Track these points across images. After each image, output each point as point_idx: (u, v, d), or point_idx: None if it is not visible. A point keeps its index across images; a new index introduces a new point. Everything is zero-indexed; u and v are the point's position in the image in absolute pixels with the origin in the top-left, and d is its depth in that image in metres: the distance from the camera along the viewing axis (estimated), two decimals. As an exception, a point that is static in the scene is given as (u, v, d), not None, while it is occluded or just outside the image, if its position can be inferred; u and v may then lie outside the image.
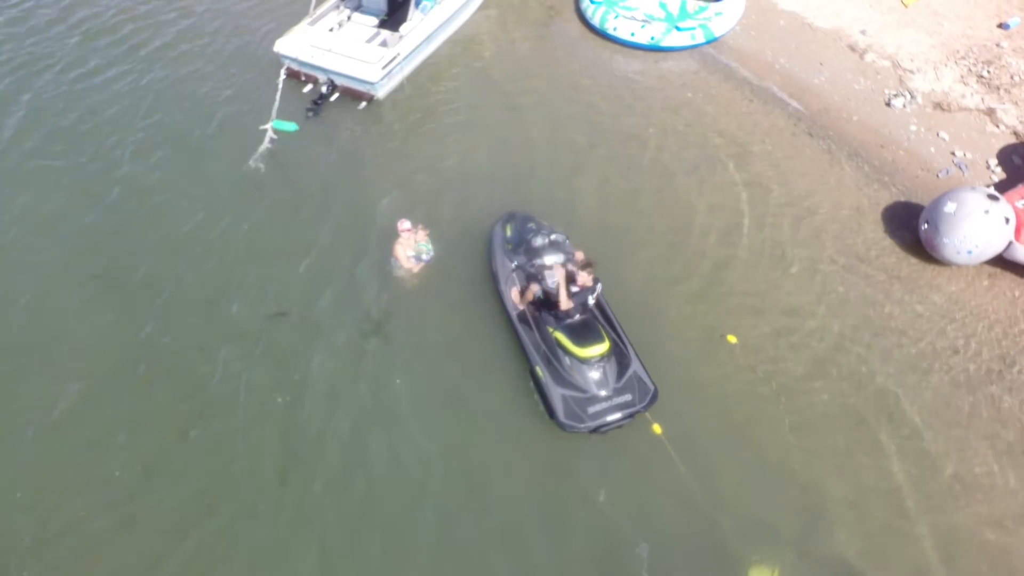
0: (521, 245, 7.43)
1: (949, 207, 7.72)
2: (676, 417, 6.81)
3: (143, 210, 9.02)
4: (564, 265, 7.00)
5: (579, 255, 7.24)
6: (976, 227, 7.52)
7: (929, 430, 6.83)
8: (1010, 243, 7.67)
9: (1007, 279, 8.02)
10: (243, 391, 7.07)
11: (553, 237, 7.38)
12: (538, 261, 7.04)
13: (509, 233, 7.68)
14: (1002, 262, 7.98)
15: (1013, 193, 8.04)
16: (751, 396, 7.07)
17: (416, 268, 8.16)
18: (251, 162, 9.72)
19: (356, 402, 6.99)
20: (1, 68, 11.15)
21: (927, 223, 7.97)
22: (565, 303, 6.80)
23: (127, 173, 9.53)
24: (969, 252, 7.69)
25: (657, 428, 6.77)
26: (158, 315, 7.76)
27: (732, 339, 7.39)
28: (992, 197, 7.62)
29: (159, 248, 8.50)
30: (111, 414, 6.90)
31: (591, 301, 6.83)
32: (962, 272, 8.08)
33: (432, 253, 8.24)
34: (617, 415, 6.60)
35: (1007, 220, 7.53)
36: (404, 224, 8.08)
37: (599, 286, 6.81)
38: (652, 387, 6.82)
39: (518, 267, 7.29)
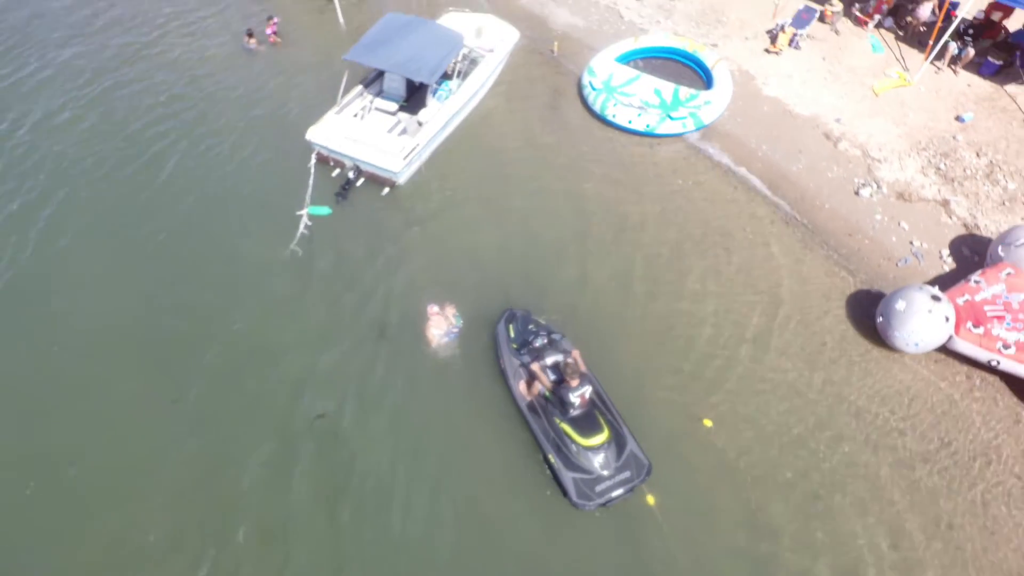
0: (525, 346, 9.08)
1: (899, 305, 9.38)
2: (664, 489, 8.45)
3: (192, 302, 10.61)
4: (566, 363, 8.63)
5: (575, 353, 8.88)
6: (921, 324, 9.19)
7: (875, 503, 8.48)
8: (951, 336, 9.35)
9: (951, 364, 9.68)
10: (291, 484, 8.67)
11: (552, 337, 9.04)
12: (541, 361, 8.69)
13: (512, 334, 9.32)
14: (946, 350, 9.65)
15: (955, 291, 9.71)
16: (725, 472, 8.71)
17: (445, 343, 9.80)
18: (292, 247, 11.37)
19: (394, 486, 8.61)
20: (60, 162, 12.80)
21: (882, 316, 9.63)
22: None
23: (168, 262, 11.15)
24: (916, 344, 9.36)
25: (651, 499, 8.41)
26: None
27: (708, 423, 9.03)
28: (935, 298, 9.28)
29: (208, 344, 10.08)
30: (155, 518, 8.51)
31: (583, 398, 8.46)
32: (912, 358, 9.74)
33: (460, 324, 9.87)
34: (620, 491, 8.23)
35: (947, 319, 9.20)
36: (432, 308, 9.73)
37: (589, 386, 8.46)
38: (647, 462, 8.45)
39: (523, 365, 8.93)
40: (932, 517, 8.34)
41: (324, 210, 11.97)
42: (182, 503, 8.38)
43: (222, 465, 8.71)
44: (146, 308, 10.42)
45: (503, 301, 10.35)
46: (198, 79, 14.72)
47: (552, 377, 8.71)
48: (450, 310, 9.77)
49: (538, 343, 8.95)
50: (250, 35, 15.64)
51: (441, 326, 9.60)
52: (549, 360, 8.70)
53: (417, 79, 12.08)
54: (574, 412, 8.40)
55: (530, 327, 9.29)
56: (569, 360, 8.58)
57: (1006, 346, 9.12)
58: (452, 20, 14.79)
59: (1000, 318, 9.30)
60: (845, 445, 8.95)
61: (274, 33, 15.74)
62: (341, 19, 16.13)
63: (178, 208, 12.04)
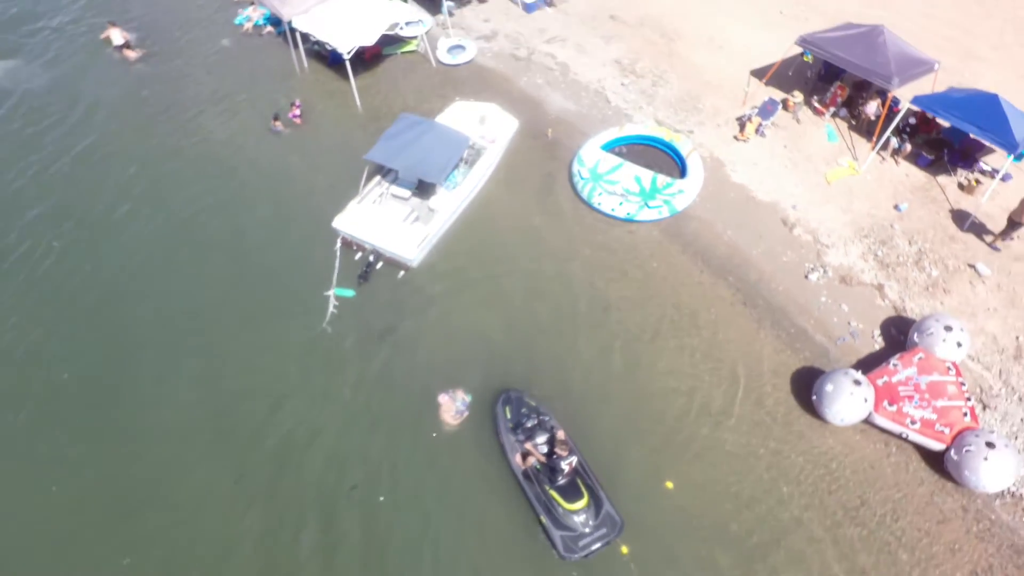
0: (519, 426, 11.31)
1: (828, 387, 11.61)
2: (635, 540, 10.69)
3: (242, 386, 12.84)
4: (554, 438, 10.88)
5: (560, 433, 11.10)
6: (845, 404, 11.42)
7: (815, 553, 10.71)
8: (870, 413, 11.57)
9: (872, 434, 11.91)
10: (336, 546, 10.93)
11: (541, 418, 11.28)
12: (533, 440, 10.93)
13: (509, 415, 11.56)
14: (868, 423, 11.87)
15: (876, 373, 11.94)
16: (684, 526, 10.94)
17: (457, 421, 12.02)
18: (323, 325, 13.59)
19: (422, 541, 10.85)
20: (122, 259, 15.07)
21: (815, 395, 11.86)
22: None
23: (216, 348, 13.36)
24: (842, 419, 11.59)
25: (624, 549, 10.66)
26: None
27: (669, 485, 11.28)
28: (856, 382, 11.51)
29: (258, 424, 12.33)
30: None
31: (570, 466, 10.68)
32: (841, 429, 11.95)
33: (469, 400, 12.11)
34: (598, 544, 10.46)
35: (865, 400, 11.42)
36: (443, 397, 11.97)
37: (574, 458, 10.69)
38: (620, 520, 10.69)
39: (518, 441, 11.16)
40: (855, 566, 10.60)
41: (349, 292, 14.21)
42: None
43: (277, 533, 10.97)
44: (205, 392, 12.68)
45: (502, 376, 12.61)
46: (232, 167, 16.96)
47: (544, 450, 10.94)
48: (459, 394, 12.02)
49: (530, 423, 11.21)
50: (276, 118, 17.87)
51: (451, 410, 11.86)
52: (540, 439, 10.93)
53: (428, 180, 14.35)
54: (561, 481, 10.65)
55: (523, 410, 11.54)
56: (558, 440, 10.83)
57: (913, 421, 11.36)
58: (459, 108, 17.07)
59: (910, 397, 11.53)
60: (785, 503, 11.20)
61: (297, 116, 17.99)
62: (357, 101, 18.33)
63: (220, 293, 14.28)
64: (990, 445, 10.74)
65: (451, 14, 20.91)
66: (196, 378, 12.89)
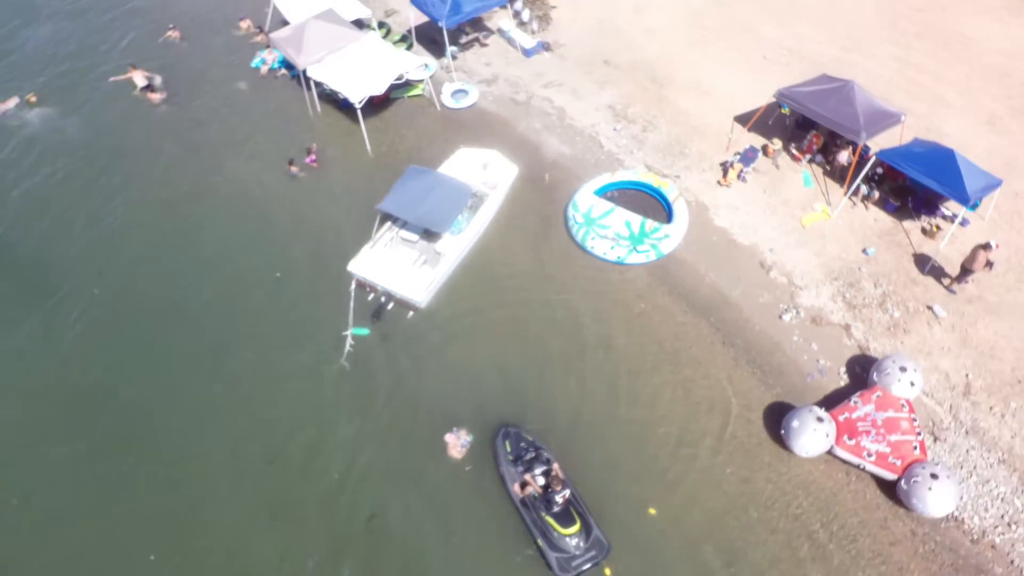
0: (519, 459, 12.82)
1: (795, 423, 13.11)
2: (620, 562, 12.20)
3: (271, 417, 14.38)
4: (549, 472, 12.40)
5: (555, 466, 12.60)
6: (809, 439, 12.92)
7: (778, 572, 12.22)
8: (832, 446, 13.07)
9: (834, 465, 13.41)
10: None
11: (538, 451, 12.79)
12: (531, 472, 12.44)
13: (508, 448, 13.08)
14: (830, 455, 13.36)
15: (838, 409, 13.44)
16: (665, 548, 12.45)
17: (462, 455, 13.52)
18: (342, 362, 15.11)
19: (431, 563, 12.36)
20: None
21: (784, 430, 13.36)
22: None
23: (244, 385, 14.89)
24: (807, 452, 13.09)
25: (608, 571, 12.17)
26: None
27: (652, 511, 12.78)
28: (819, 419, 13.01)
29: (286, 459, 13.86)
30: None
31: (564, 498, 12.18)
32: (806, 461, 13.45)
33: (471, 439, 13.62)
34: (588, 565, 11.98)
35: (827, 435, 12.93)
36: (449, 437, 13.52)
37: (567, 491, 12.21)
38: (607, 544, 12.20)
39: (517, 472, 12.67)
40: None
41: (364, 331, 15.73)
42: None
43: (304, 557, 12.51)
44: (235, 422, 14.24)
45: (501, 411, 14.16)
46: (253, 211, 18.56)
47: (541, 481, 12.44)
48: (462, 433, 13.55)
49: (528, 456, 12.72)
50: (291, 163, 19.41)
51: (456, 446, 13.38)
52: (537, 471, 12.43)
53: (435, 230, 15.91)
54: (556, 509, 12.15)
55: (521, 444, 13.06)
56: (554, 471, 12.34)
57: (870, 454, 12.87)
58: (463, 154, 18.62)
59: (868, 432, 13.04)
60: (754, 527, 12.70)
61: (313, 160, 19.51)
62: (368, 145, 19.85)
63: (246, 330, 15.86)
64: (934, 476, 12.25)
65: (454, 58, 22.45)
66: (226, 409, 14.44)
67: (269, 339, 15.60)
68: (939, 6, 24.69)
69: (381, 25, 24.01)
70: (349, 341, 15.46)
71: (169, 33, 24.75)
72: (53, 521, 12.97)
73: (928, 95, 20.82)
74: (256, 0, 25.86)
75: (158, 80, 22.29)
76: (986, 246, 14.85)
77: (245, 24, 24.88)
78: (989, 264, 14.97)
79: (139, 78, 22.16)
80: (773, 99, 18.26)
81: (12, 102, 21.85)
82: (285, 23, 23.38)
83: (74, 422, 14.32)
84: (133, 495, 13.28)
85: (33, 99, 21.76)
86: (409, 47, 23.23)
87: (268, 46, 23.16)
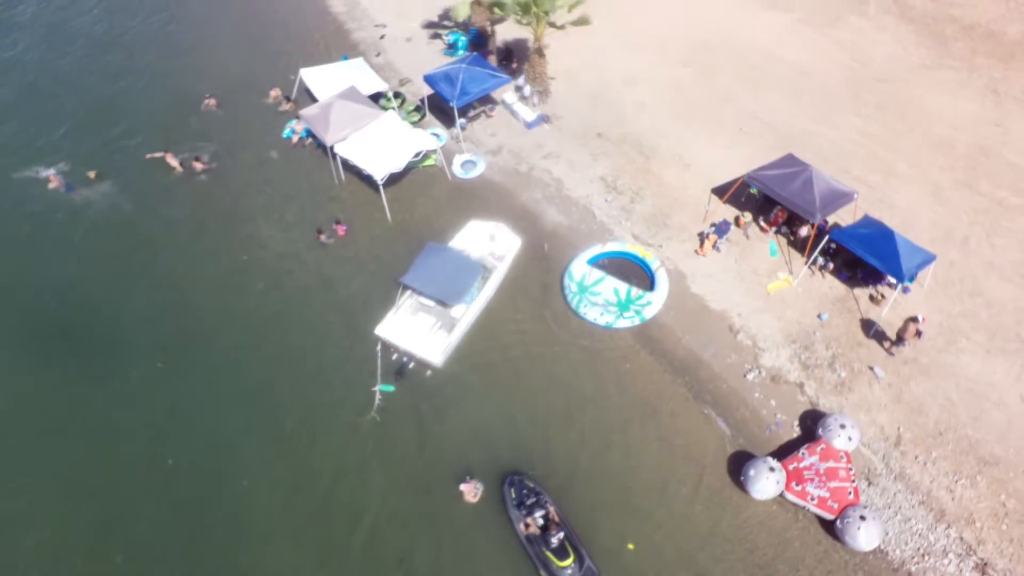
0: (522, 503, 15.78)
1: (751, 472, 16.06)
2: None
3: (313, 467, 17.34)
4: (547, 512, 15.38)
5: (552, 509, 15.54)
6: (763, 485, 15.88)
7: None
8: (783, 492, 16.02)
9: (785, 507, 16.36)
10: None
11: (538, 497, 15.72)
12: (532, 515, 15.41)
13: (513, 495, 16.04)
14: (781, 499, 16.30)
15: (789, 459, 16.39)
16: (643, 578, 15.45)
17: (476, 499, 16.46)
18: (372, 414, 18.06)
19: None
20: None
21: (743, 476, 16.30)
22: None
23: (285, 440, 17.85)
24: (762, 496, 16.06)
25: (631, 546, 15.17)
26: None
27: (631, 546, 15.74)
28: (771, 468, 15.96)
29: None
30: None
31: (559, 538, 15.14)
32: (762, 503, 16.38)
33: (482, 487, 16.56)
34: (582, 591, 14.99)
35: (778, 482, 15.88)
36: (465, 486, 16.45)
37: (562, 533, 15.17)
38: (597, 572, 15.20)
39: (521, 515, 15.61)
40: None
41: (390, 387, 18.70)
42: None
43: None
44: (282, 470, 17.21)
45: (509, 459, 17.12)
46: (289, 278, 21.64)
47: (540, 523, 15.38)
48: (475, 483, 16.50)
49: (529, 501, 15.70)
50: (320, 232, 22.40)
51: (471, 492, 16.32)
52: (538, 514, 15.39)
53: (451, 303, 18.88)
54: (554, 545, 15.10)
55: (524, 491, 16.05)
56: (550, 515, 15.30)
57: (813, 498, 15.83)
58: (474, 226, 21.64)
59: (812, 480, 16.00)
60: (719, 560, 15.65)
61: (340, 230, 22.49)
62: (388, 214, 22.85)
63: (287, 388, 18.86)
64: (863, 517, 15.21)
65: (463, 128, 25.48)
66: (280, 465, 17.41)
67: (313, 400, 18.59)
68: (899, 77, 27.78)
69: (397, 95, 27.09)
70: (378, 397, 18.43)
71: (207, 101, 27.82)
72: (151, 566, 16.05)
73: (883, 166, 23.85)
74: (282, 69, 29.17)
75: (205, 156, 25.26)
76: (915, 319, 17.86)
77: (274, 93, 27.93)
78: (918, 333, 17.97)
79: (171, 160, 25.09)
80: (745, 177, 21.29)
81: (61, 177, 24.85)
82: (309, 91, 26.62)
83: (156, 484, 17.35)
84: (209, 546, 16.30)
85: (92, 175, 24.75)
86: (422, 116, 26.31)
87: (297, 116, 26.16)
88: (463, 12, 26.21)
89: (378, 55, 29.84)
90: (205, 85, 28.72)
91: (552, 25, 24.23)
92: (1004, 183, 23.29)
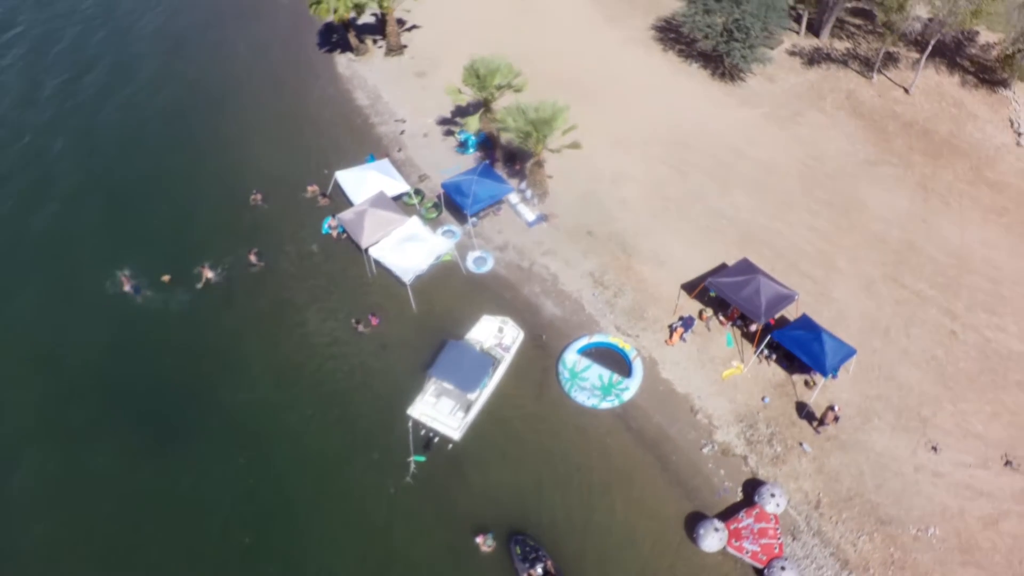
0: (525, 559, 21.11)
1: (702, 531, 21.40)
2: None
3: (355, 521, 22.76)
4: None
5: (549, 563, 20.88)
6: (709, 541, 21.24)
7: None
8: (725, 547, 21.35)
9: (728, 558, 21.68)
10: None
11: (539, 554, 21.07)
12: (534, 568, 20.77)
13: (519, 551, 21.38)
14: (724, 552, 21.62)
15: (731, 520, 21.74)
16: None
17: (489, 549, 21.82)
18: (407, 479, 23.45)
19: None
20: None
21: (694, 534, 21.64)
22: None
23: (333, 507, 23.24)
24: (710, 550, 21.40)
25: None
26: None
27: (611, 590, 21.13)
28: (716, 528, 21.29)
29: None
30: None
31: None
32: (710, 555, 21.69)
33: (492, 540, 21.92)
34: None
35: (721, 539, 21.22)
36: (479, 539, 21.80)
37: (560, 583, 20.70)
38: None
39: (524, 569, 20.96)
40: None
41: (421, 458, 24.10)
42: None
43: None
44: (345, 533, 22.57)
45: (515, 518, 22.48)
46: (331, 360, 27.03)
47: (540, 574, 20.74)
48: (487, 537, 21.83)
49: (531, 556, 21.02)
50: (357, 322, 27.81)
51: (484, 545, 21.69)
52: (538, 568, 20.74)
53: (467, 391, 24.28)
54: (550, 592, 20.55)
55: (527, 548, 21.38)
56: (548, 568, 20.68)
57: (748, 552, 21.18)
58: (486, 321, 27.10)
59: (747, 537, 21.36)
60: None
61: (375, 321, 27.89)
62: (414, 305, 28.24)
63: (340, 461, 24.21)
64: (783, 568, 20.57)
65: (474, 225, 30.90)
66: (341, 536, 22.73)
67: (360, 468, 23.98)
68: (847, 174, 33.25)
69: (417, 192, 32.56)
70: (412, 466, 23.81)
71: (254, 197, 33.25)
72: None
73: (825, 262, 29.25)
74: (317, 164, 34.63)
75: (255, 250, 30.64)
76: (832, 408, 23.32)
77: (312, 189, 33.40)
78: (835, 419, 23.41)
79: (208, 273, 30.26)
80: (705, 283, 26.67)
81: (130, 280, 30.05)
82: (342, 188, 32.03)
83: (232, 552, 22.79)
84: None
85: (167, 279, 30.00)
86: (439, 213, 31.75)
87: (333, 214, 31.52)
88: (474, 125, 31.62)
89: (399, 151, 35.36)
90: (250, 180, 34.07)
91: (548, 149, 29.66)
92: (924, 276, 28.79)
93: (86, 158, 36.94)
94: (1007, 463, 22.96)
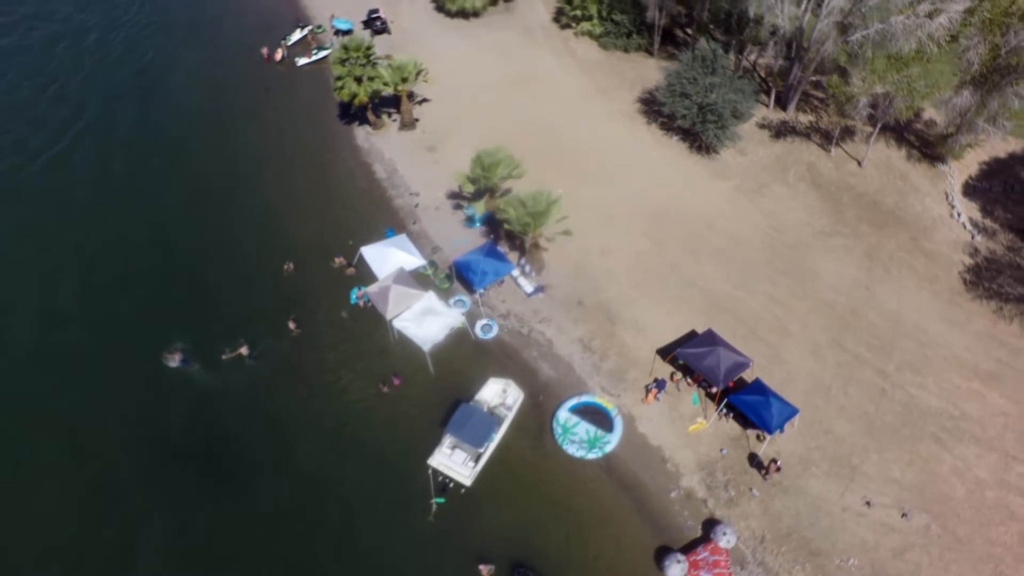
0: None
1: (667, 563, 27.30)
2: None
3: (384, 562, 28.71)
4: None
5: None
6: (673, 572, 27.10)
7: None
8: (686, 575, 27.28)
9: (689, 583, 27.60)
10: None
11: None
12: None
13: (522, 593, 27.46)
14: (688, 577, 27.55)
15: (692, 553, 27.64)
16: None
17: (492, 581, 27.85)
18: (430, 518, 29.38)
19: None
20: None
21: (661, 566, 27.52)
22: None
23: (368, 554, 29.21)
24: (673, 578, 27.33)
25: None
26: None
27: (595, 611, 27.01)
28: (679, 560, 27.16)
29: None
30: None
31: None
32: (675, 581, 27.63)
33: (495, 570, 27.86)
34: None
35: (683, 570, 27.09)
36: (482, 567, 27.78)
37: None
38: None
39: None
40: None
41: (441, 499, 30.02)
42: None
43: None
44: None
45: (515, 548, 28.34)
46: (361, 414, 32.88)
47: (538, 599, 26.73)
48: (491, 566, 27.70)
49: (532, 599, 27.06)
50: (382, 383, 33.74)
51: (487, 572, 27.55)
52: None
53: (477, 446, 30.20)
54: (545, 612, 26.45)
55: (527, 580, 27.38)
56: None
57: (704, 580, 27.11)
58: (492, 383, 33.04)
59: (704, 567, 27.23)
60: (644, 618, 26.93)
61: (397, 383, 33.82)
62: (431, 368, 34.15)
63: (367, 501, 30.15)
64: (731, 593, 26.51)
65: (481, 295, 36.83)
66: (366, 553, 28.62)
67: (390, 510, 29.85)
68: (803, 244, 39.19)
69: (432, 264, 38.50)
70: (433, 507, 29.72)
71: (287, 267, 39.22)
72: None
73: (780, 327, 35.16)
74: (342, 235, 40.55)
75: (291, 324, 36.55)
76: (775, 460, 29.23)
77: (339, 260, 39.37)
78: (778, 468, 29.34)
79: (244, 350, 36.09)
80: (675, 353, 32.57)
81: (180, 354, 35.79)
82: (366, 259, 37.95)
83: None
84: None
85: (243, 350, 35.79)
86: (452, 284, 37.69)
87: (359, 286, 37.45)
88: (480, 208, 37.57)
89: (414, 223, 41.36)
90: (283, 250, 40.01)
91: (542, 236, 35.61)
92: (863, 340, 34.70)
93: (124, 228, 42.59)
94: (903, 515, 28.76)
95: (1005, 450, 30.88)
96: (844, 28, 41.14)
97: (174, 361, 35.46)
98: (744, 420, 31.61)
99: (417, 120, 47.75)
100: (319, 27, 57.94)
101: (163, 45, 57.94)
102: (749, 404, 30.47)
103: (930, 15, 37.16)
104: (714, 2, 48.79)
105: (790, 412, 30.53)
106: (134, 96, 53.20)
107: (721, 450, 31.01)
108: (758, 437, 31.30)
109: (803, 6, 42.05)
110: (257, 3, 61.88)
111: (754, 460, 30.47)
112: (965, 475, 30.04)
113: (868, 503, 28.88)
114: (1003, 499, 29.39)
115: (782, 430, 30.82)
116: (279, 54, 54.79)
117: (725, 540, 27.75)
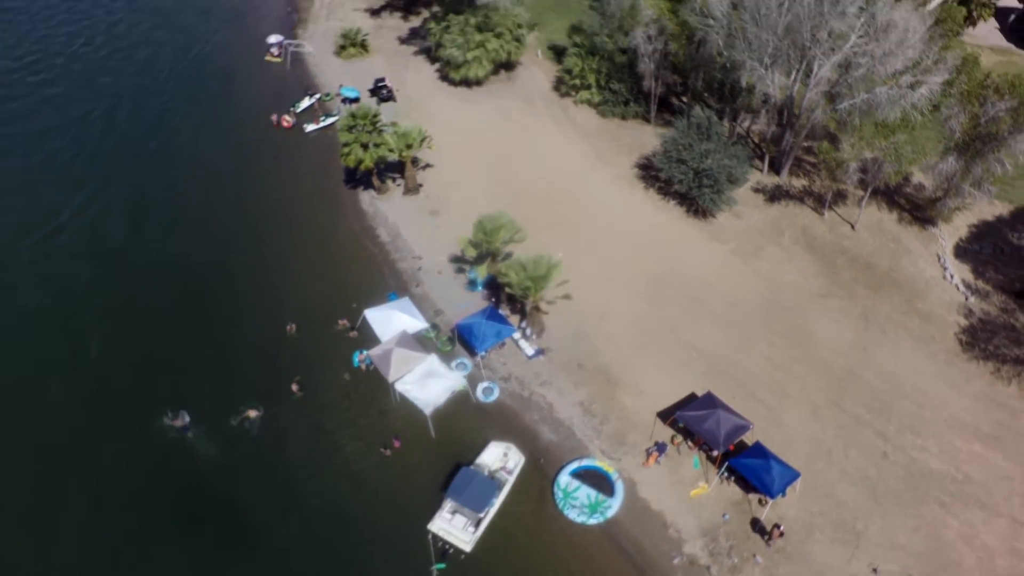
0: None
1: (670, 633, 27.06)
2: None
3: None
4: None
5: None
6: (677, 642, 26.87)
7: None
8: (690, 645, 27.03)
9: (693, 654, 27.32)
10: None
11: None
12: None
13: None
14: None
15: (694, 623, 27.42)
16: None
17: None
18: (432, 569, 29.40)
19: None
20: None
21: (665, 635, 27.31)
22: None
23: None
24: (677, 648, 27.04)
25: None
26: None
27: None
28: (682, 630, 26.97)
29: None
30: None
31: None
32: (679, 652, 27.35)
33: None
34: None
35: (686, 639, 26.90)
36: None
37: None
38: None
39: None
40: None
41: (442, 565, 29.99)
42: None
43: None
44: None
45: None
46: (363, 478, 33.06)
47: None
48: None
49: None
50: (384, 448, 34.04)
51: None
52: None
53: (478, 511, 30.30)
54: None
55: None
56: None
57: (708, 651, 26.81)
58: (493, 446, 33.37)
59: (708, 638, 26.98)
60: None
61: (398, 444, 34.14)
62: (432, 431, 34.51)
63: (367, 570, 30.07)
64: (736, 664, 26.18)
65: (483, 358, 37.45)
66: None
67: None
68: (800, 306, 39.97)
69: (434, 327, 39.28)
70: (434, 573, 29.62)
71: (289, 328, 40.03)
72: None
73: (779, 389, 35.58)
74: (344, 297, 41.47)
75: (294, 386, 37.19)
76: (778, 526, 29.24)
77: (342, 323, 40.20)
78: (781, 534, 29.31)
79: (253, 413, 36.68)
80: (675, 416, 32.98)
81: (184, 420, 36.32)
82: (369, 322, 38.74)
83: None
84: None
85: (253, 414, 36.34)
86: (453, 346, 38.38)
87: (361, 349, 38.16)
88: (483, 272, 38.64)
89: (417, 286, 42.37)
90: (286, 311, 40.89)
91: (543, 300, 36.54)
92: (862, 401, 35.06)
93: (133, 292, 43.68)
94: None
95: (1013, 515, 30.81)
96: (832, 97, 43.08)
97: (177, 424, 35.91)
98: (746, 484, 31.68)
99: (421, 185, 49.37)
100: (327, 95, 60.42)
101: (183, 110, 60.38)
102: (750, 468, 30.65)
103: (912, 86, 39.07)
104: (708, 72, 50.97)
105: (792, 476, 30.69)
106: (145, 160, 55.15)
107: (724, 515, 30.99)
108: (760, 501, 31.34)
109: (792, 76, 44.08)
110: (268, 72, 64.71)
111: (757, 525, 30.44)
112: (973, 541, 29.91)
113: (875, 570, 28.73)
114: (1015, 568, 29.18)
115: (784, 494, 30.91)
116: (288, 121, 57.14)
117: (729, 609, 27.62)
